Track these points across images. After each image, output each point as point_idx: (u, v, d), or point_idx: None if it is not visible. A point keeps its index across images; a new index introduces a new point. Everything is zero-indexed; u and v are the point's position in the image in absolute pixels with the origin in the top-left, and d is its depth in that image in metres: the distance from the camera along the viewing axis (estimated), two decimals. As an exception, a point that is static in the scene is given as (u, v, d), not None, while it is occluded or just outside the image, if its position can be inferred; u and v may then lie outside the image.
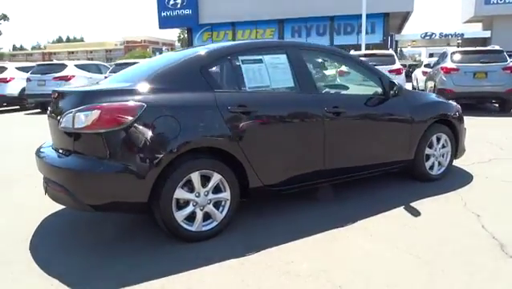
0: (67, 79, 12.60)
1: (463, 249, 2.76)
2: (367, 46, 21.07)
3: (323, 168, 3.45)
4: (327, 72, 5.86)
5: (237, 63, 3.15)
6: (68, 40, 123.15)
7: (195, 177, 2.84)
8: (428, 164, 4.19)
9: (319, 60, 4.59)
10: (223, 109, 2.91)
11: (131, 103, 2.64)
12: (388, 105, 3.80)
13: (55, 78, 12.57)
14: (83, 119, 2.61)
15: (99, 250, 2.86)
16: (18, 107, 14.22)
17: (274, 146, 3.18)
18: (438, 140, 4.23)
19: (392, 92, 3.75)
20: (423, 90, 12.65)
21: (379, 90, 3.83)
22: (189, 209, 2.85)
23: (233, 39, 31.59)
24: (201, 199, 2.88)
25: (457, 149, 4.40)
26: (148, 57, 60.62)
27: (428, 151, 4.15)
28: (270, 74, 3.23)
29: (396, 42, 31.61)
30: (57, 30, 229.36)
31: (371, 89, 3.90)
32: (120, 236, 3.12)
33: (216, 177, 2.92)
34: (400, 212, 3.44)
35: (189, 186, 2.85)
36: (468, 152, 4.90)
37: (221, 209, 3.00)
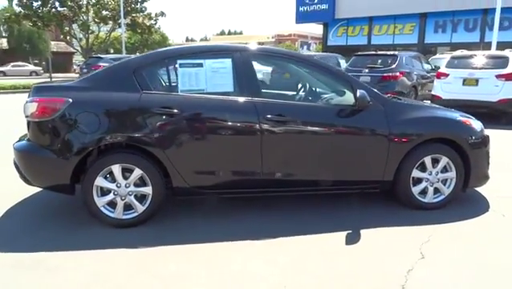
0: None
1: (348, 289, 2.42)
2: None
3: (261, 178, 3.33)
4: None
5: (174, 67, 3.28)
6: (229, 33, 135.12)
7: (116, 169, 3.12)
8: (417, 189, 3.59)
9: (277, 65, 4.22)
10: (146, 110, 3.11)
11: (58, 98, 3.06)
12: (355, 117, 3.39)
13: None
14: (29, 109, 3.14)
15: (35, 221, 3.38)
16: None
17: (201, 149, 3.22)
18: (436, 162, 3.58)
19: (358, 103, 3.33)
20: None
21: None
22: (110, 197, 3.16)
23: (369, 35, 30.23)
24: (122, 190, 3.15)
25: (468, 176, 3.65)
26: (294, 50, 62.27)
27: (417, 173, 3.56)
28: (208, 78, 3.26)
29: None
30: (221, 25, 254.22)
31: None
32: (63, 214, 3.52)
33: (137, 172, 3.14)
34: (336, 237, 3.10)
35: (112, 177, 3.15)
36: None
37: (144, 201, 3.22)
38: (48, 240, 3.03)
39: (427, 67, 11.94)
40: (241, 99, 3.27)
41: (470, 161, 3.60)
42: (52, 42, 41.09)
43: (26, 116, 3.19)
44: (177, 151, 3.16)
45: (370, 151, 3.46)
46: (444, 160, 3.57)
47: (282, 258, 2.78)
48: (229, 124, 3.24)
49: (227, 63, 3.32)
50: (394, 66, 10.24)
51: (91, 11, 27.66)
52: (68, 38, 28.37)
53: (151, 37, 46.49)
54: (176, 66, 3.27)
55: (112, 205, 3.19)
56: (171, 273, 2.59)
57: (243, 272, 2.60)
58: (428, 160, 3.55)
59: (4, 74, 32.35)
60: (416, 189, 3.59)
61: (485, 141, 3.74)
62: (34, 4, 25.78)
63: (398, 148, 3.45)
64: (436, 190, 3.64)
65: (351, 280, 2.51)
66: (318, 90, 3.89)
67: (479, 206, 3.75)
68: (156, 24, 30.08)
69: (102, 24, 28.52)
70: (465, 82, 8.66)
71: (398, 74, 10.15)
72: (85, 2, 27.30)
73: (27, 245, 2.94)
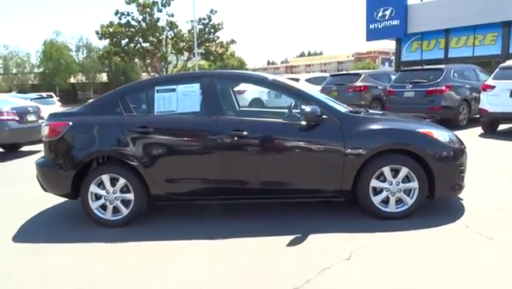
0: None
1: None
2: None
3: (224, 186, 3.77)
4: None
5: (152, 93, 3.91)
6: (309, 54, 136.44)
7: (105, 178, 3.81)
8: (377, 199, 3.72)
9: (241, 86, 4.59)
10: (126, 129, 3.77)
11: (63, 122, 3.87)
12: (312, 131, 3.67)
13: None
14: (44, 132, 4.00)
15: (55, 221, 4.21)
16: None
17: (171, 161, 3.78)
18: (396, 172, 3.70)
19: (305, 117, 3.64)
20: None
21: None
22: (101, 201, 3.85)
23: (446, 48, 28.69)
24: (110, 196, 3.83)
25: (433, 187, 3.69)
26: (372, 68, 60.92)
27: (376, 183, 3.70)
28: (179, 101, 3.85)
29: None
30: (301, 46, 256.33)
31: None
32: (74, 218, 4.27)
33: (122, 181, 3.80)
34: (282, 240, 3.36)
35: (103, 185, 3.85)
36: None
37: (128, 206, 3.85)
38: (57, 234, 3.78)
39: (486, 79, 11.22)
40: (205, 118, 3.79)
41: (433, 172, 3.65)
42: (143, 74, 45.85)
43: (42, 138, 4.05)
44: (152, 163, 3.75)
45: (326, 162, 3.71)
46: (404, 171, 3.67)
47: (221, 255, 3.19)
48: (194, 139, 3.79)
49: (196, 87, 3.88)
50: (439, 80, 9.89)
51: (170, 44, 30.62)
52: (149, 69, 31.59)
53: (230, 63, 49.25)
54: (154, 92, 3.91)
55: (104, 208, 3.87)
56: (128, 263, 3.14)
57: (183, 264, 3.06)
58: (386, 170, 3.68)
59: (102, 104, 36.88)
60: (376, 199, 3.73)
61: (455, 152, 3.76)
62: (123, 42, 29.42)
63: (353, 159, 3.65)
64: (399, 200, 3.74)
65: (265, 273, 2.84)
66: (279, 106, 4.25)
67: (449, 217, 3.74)
68: (227, 51, 32.17)
69: (179, 55, 31.38)
70: (513, 93, 8.12)
71: (444, 88, 9.78)
72: (164, 37, 30.38)
73: (41, 238, 3.70)
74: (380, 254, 3.07)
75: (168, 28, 29.92)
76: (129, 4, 28.65)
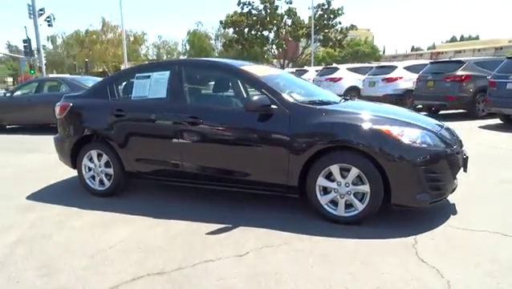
0: (394, 80, 12.81)
1: None
2: None
3: (181, 170, 3.94)
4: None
5: (132, 80, 4.27)
6: (462, 39, 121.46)
7: (94, 154, 4.38)
8: (324, 199, 3.42)
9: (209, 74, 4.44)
10: (108, 111, 4.24)
11: (66, 103, 4.54)
12: (262, 121, 3.55)
13: (384, 80, 13.11)
14: (56, 111, 4.74)
15: (65, 188, 4.96)
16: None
17: (139, 142, 4.12)
18: (346, 171, 3.33)
19: (245, 105, 3.57)
20: None
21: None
22: (90, 173, 4.44)
23: None
24: (97, 169, 4.38)
25: (388, 192, 3.24)
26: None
27: (323, 182, 3.40)
28: (151, 87, 4.12)
29: None
30: (453, 30, 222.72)
31: None
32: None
33: (105, 157, 4.31)
34: (207, 228, 3.40)
35: (92, 159, 4.42)
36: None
37: (110, 179, 4.35)
38: (59, 198, 4.45)
39: None
40: (167, 104, 3.99)
41: (388, 175, 3.20)
42: (274, 60, 47.68)
43: (57, 115, 4.80)
44: (124, 142, 4.14)
45: (273, 154, 3.54)
46: (354, 171, 3.29)
47: (141, 231, 3.43)
48: (157, 123, 4.03)
49: (166, 74, 4.10)
50: (554, 69, 8.01)
51: (288, 32, 31.02)
52: (266, 56, 32.67)
53: (360, 49, 47.62)
54: (134, 79, 4.28)
55: (94, 179, 4.45)
56: (72, 226, 3.60)
57: (106, 235, 3.38)
58: (335, 169, 3.35)
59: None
60: (324, 199, 3.44)
61: (424, 156, 3.20)
62: (245, 30, 31.05)
63: (298, 153, 3.42)
64: (350, 204, 3.37)
65: (153, 254, 2.96)
66: (238, 95, 4.14)
67: (409, 230, 3.23)
68: (346, 37, 31.00)
69: (297, 42, 31.61)
70: None
71: (559, 79, 7.90)
72: (283, 24, 30.93)
73: (46, 198, 4.44)
74: (278, 256, 2.88)
75: (286, 16, 30.38)
76: (251, -5, 30.17)
